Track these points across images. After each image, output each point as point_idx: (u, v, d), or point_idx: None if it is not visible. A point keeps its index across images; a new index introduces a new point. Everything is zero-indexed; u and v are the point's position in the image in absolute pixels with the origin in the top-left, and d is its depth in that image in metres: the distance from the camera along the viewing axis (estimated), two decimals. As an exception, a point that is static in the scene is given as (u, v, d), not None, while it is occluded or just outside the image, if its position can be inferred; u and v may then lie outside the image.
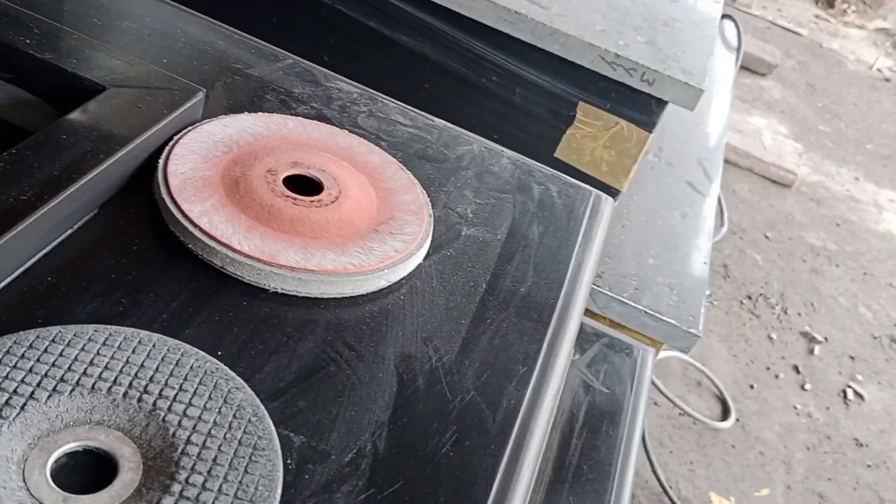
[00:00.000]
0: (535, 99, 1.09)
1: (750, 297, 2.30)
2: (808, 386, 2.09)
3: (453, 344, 0.56)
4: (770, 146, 3.04)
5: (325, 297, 0.55)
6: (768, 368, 2.10)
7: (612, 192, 1.17)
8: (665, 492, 1.68)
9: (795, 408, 2.02)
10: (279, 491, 0.42)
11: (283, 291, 0.54)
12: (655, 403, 1.80)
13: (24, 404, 0.41)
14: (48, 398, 0.42)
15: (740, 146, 2.86)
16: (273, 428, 0.45)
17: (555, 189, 0.75)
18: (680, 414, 1.82)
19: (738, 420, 1.91)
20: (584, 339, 0.98)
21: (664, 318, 1.06)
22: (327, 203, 0.59)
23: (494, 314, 0.60)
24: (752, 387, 2.02)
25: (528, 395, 0.55)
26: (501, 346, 0.57)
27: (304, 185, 0.61)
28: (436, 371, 0.54)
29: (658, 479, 1.69)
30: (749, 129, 3.11)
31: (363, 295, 0.57)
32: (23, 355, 0.43)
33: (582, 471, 0.83)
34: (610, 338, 0.99)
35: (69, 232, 0.53)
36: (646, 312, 1.06)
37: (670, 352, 1.96)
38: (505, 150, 0.78)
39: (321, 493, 0.44)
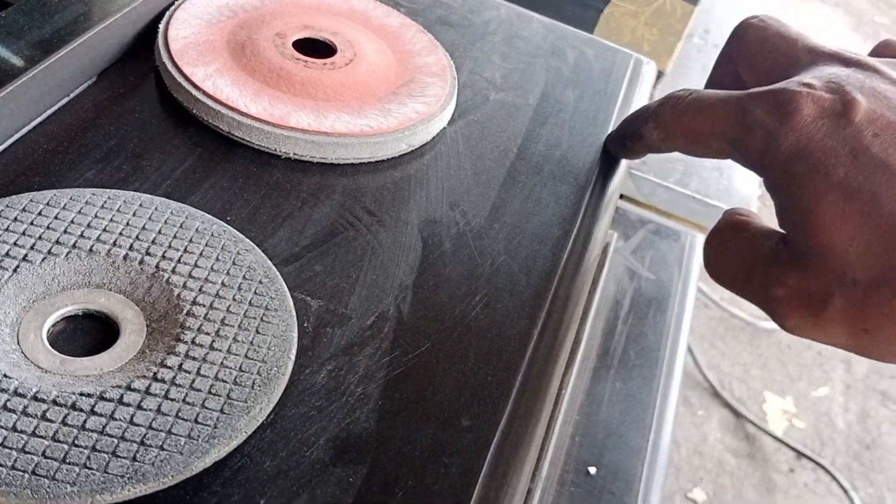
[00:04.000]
0: (569, -25, 1.02)
1: (804, 196, 2.21)
2: (866, 284, 2.01)
3: (482, 208, 0.52)
4: (824, 40, 2.88)
5: (341, 161, 0.51)
6: (824, 268, 2.02)
7: (657, 75, 1.10)
8: (717, 392, 1.65)
9: (854, 306, 1.95)
10: (293, 351, 0.39)
11: (295, 156, 0.50)
12: (705, 305, 1.75)
13: (17, 267, 0.38)
14: (43, 261, 0.39)
15: (792, 41, 2.71)
16: (286, 289, 0.42)
17: (591, 53, 0.70)
18: (732, 315, 1.77)
19: (793, 320, 1.85)
20: (628, 225, 0.93)
21: (714, 203, 1.00)
22: (341, 65, 0.55)
23: (526, 178, 0.55)
24: (807, 287, 1.95)
25: (564, 259, 0.50)
26: (535, 211, 0.53)
27: (315, 49, 0.56)
28: (464, 235, 0.50)
29: (706, 378, 1.65)
30: (800, 22, 2.96)
31: (383, 160, 0.53)
32: (15, 218, 0.40)
33: (628, 357, 0.79)
34: (656, 224, 0.94)
35: (66, 100, 0.50)
36: (694, 198, 1.01)
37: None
38: (536, 14, 0.72)
39: (341, 356, 0.41)
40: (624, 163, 0.61)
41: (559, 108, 0.62)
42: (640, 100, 0.68)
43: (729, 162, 1.07)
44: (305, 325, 0.42)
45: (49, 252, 0.39)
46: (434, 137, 0.55)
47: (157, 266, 0.40)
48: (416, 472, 0.37)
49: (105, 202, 0.42)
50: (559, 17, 1.06)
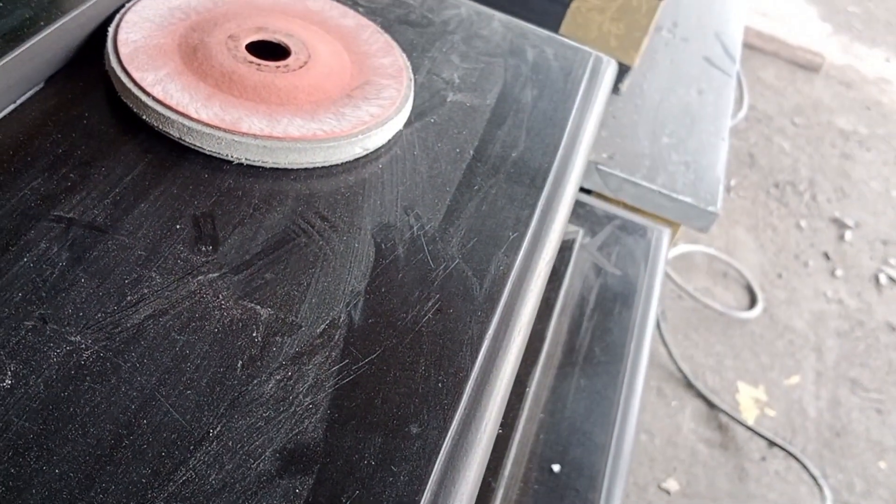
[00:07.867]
0: (534, -30, 1.02)
1: (777, 186, 2.23)
2: (838, 272, 2.03)
3: (437, 212, 0.52)
4: (796, 29, 2.91)
5: (294, 167, 0.51)
6: (797, 257, 2.04)
7: (623, 69, 1.10)
8: (690, 383, 1.66)
9: (826, 295, 1.97)
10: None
11: (247, 162, 0.50)
12: (680, 297, 1.76)
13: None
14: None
15: (765, 30, 2.73)
16: None
17: (551, 52, 0.70)
18: (705, 306, 1.78)
19: (765, 310, 1.87)
20: (595, 221, 0.93)
21: (679, 198, 1.01)
22: (295, 68, 0.54)
23: (483, 180, 0.55)
24: (780, 276, 1.97)
25: (518, 261, 0.50)
26: (490, 213, 0.53)
27: (269, 51, 0.56)
28: (417, 240, 0.50)
29: (680, 369, 1.66)
30: (774, 12, 2.97)
31: (337, 165, 0.53)
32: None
33: (594, 353, 0.79)
34: (622, 220, 0.94)
35: (12, 107, 0.49)
36: (660, 193, 1.01)
37: (695, 245, 1.91)
38: (496, 13, 0.72)
39: (290, 365, 0.41)
40: (581, 161, 0.62)
41: (517, 108, 0.62)
42: (600, 98, 0.68)
43: (698, 157, 1.07)
44: (254, 334, 0.41)
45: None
46: (389, 140, 0.55)
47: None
48: (364, 480, 0.37)
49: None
50: (527, 11, 1.06)
